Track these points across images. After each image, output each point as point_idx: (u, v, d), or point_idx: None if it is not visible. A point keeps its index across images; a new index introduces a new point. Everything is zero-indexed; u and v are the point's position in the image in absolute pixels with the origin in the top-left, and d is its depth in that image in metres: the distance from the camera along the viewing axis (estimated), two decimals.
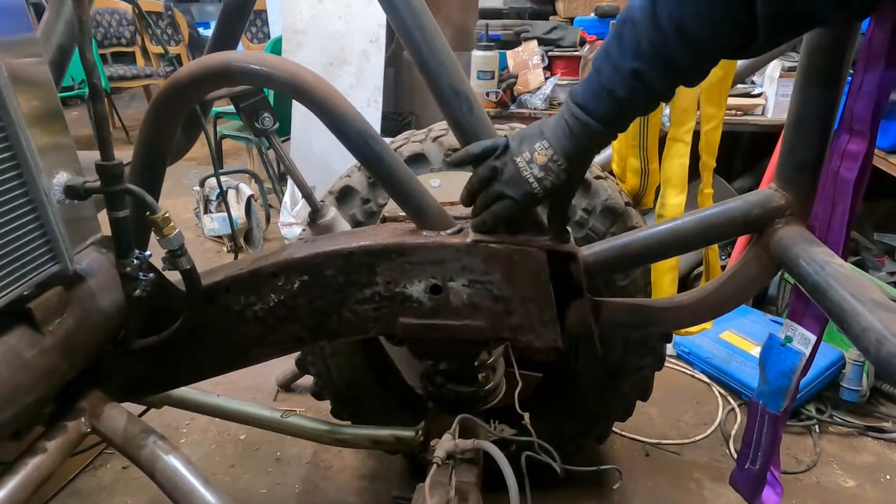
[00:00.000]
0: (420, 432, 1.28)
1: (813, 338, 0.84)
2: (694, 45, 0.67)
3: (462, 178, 1.17)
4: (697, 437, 1.82)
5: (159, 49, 5.50)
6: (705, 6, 0.65)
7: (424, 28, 0.86)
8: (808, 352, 0.85)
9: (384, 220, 1.03)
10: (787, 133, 0.84)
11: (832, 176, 0.77)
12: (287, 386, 2.03)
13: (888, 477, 1.70)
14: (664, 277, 1.35)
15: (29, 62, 0.77)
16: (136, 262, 0.85)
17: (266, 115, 1.02)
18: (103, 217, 0.89)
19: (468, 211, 0.96)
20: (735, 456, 1.73)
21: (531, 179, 0.81)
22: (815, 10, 0.62)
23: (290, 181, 3.13)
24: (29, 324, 0.77)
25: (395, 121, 3.54)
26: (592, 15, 2.91)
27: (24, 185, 0.75)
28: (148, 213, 0.82)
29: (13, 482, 0.75)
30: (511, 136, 0.85)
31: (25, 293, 0.77)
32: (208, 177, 2.96)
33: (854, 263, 2.28)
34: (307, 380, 1.86)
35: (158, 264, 0.90)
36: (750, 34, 0.65)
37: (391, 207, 1.03)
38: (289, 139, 3.22)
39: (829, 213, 0.78)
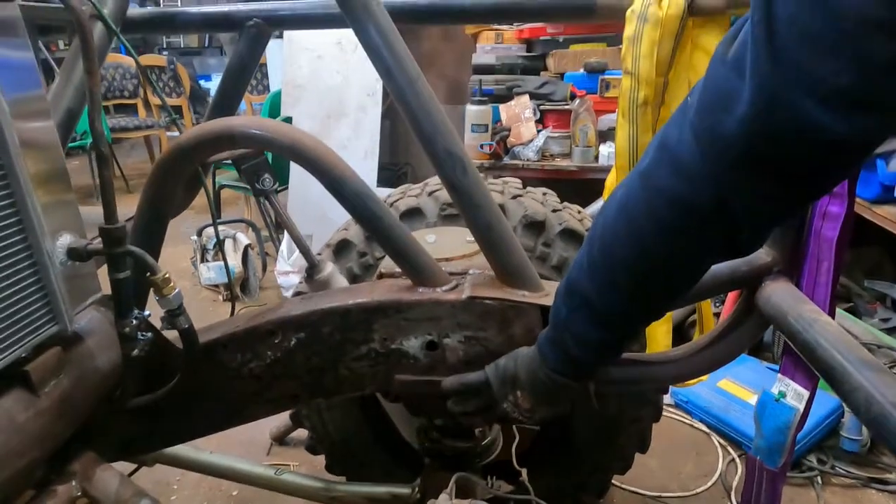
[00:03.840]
0: (417, 489, 1.25)
1: (806, 393, 0.85)
2: (656, 296, 0.67)
3: (456, 233, 1.20)
4: (699, 490, 1.79)
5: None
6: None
7: (420, 95, 0.90)
8: (801, 407, 0.85)
9: (381, 276, 1.05)
10: None
11: (815, 235, 0.80)
12: (281, 439, 2.00)
13: None
14: (658, 329, 1.36)
15: (38, 126, 0.79)
16: (135, 322, 0.86)
17: (266, 175, 1.05)
18: (102, 272, 0.90)
19: (463, 266, 0.98)
20: None
21: (521, 418, 0.87)
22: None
23: (286, 231, 3.16)
24: (25, 386, 0.77)
25: (392, 171, 3.61)
26: (581, 70, 3.02)
27: (29, 248, 0.76)
28: (148, 273, 0.83)
29: None
30: (489, 371, 0.88)
31: (23, 355, 0.77)
32: (206, 226, 2.98)
33: (846, 310, 2.30)
34: (301, 433, 1.83)
35: (155, 321, 0.91)
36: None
37: (388, 264, 1.05)
38: (286, 188, 3.27)
39: (815, 270, 0.81)
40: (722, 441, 1.99)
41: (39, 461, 0.81)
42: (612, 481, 1.56)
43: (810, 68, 0.42)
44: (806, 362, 0.83)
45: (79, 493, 0.86)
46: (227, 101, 1.43)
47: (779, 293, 0.85)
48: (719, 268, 0.89)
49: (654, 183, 0.58)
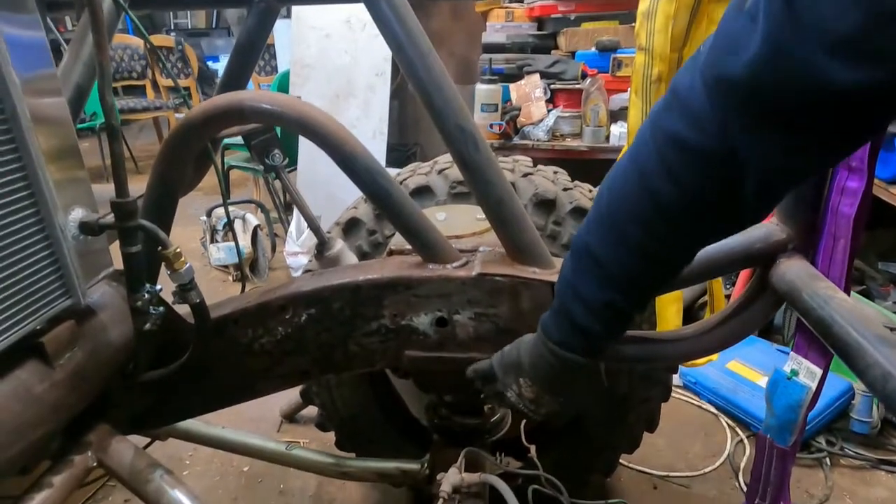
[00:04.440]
0: (425, 465, 1.27)
1: (819, 371, 0.84)
2: (665, 252, 0.64)
3: (466, 211, 1.19)
4: (706, 470, 1.80)
5: (169, 82, 5.63)
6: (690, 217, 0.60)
7: (431, 69, 0.89)
8: (814, 385, 0.85)
9: (391, 252, 1.04)
10: None
11: (832, 211, 0.78)
12: (291, 417, 2.02)
13: None
14: (669, 308, 1.35)
15: (49, 102, 0.79)
16: (146, 296, 0.86)
17: (276, 151, 1.05)
18: (114, 249, 0.90)
19: (473, 244, 0.97)
20: (745, 489, 1.70)
21: (526, 410, 0.85)
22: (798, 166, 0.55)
23: (296, 211, 3.17)
24: (40, 358, 0.78)
25: (401, 151, 3.59)
26: (593, 49, 2.98)
27: (41, 221, 0.77)
28: (160, 248, 0.84)
29: None
30: (495, 360, 0.87)
31: (37, 328, 0.78)
32: (215, 207, 2.99)
33: (859, 293, 2.28)
34: (311, 411, 1.85)
35: (167, 296, 0.91)
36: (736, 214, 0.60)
37: (398, 240, 1.04)
38: (295, 169, 3.27)
39: (830, 248, 0.79)
40: (730, 422, 1.99)
41: (55, 432, 0.82)
42: (620, 460, 1.57)
43: (821, 14, 0.42)
44: (820, 340, 0.83)
45: (94, 464, 0.88)
46: (235, 80, 1.42)
47: (793, 270, 0.83)
48: (734, 244, 0.88)
49: (664, 129, 0.57)
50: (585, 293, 0.69)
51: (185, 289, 0.87)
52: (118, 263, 0.89)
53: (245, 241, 2.92)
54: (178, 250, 0.84)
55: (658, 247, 0.63)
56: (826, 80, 0.43)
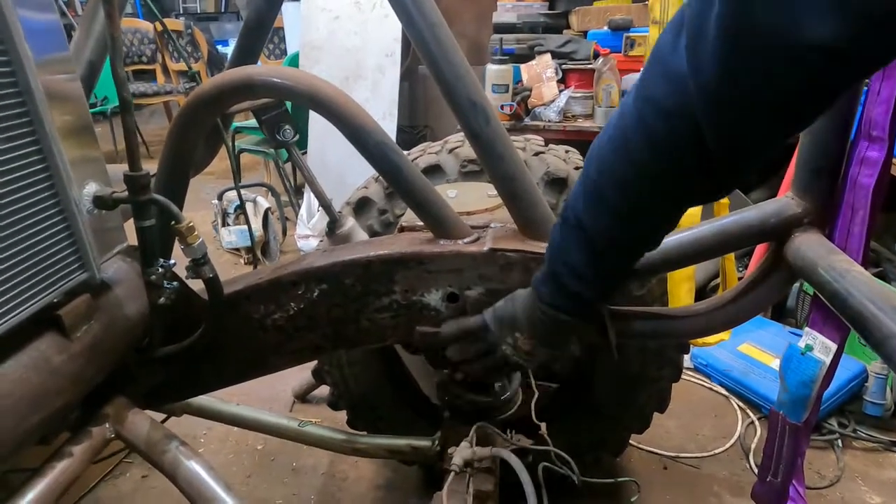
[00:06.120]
0: (436, 442, 1.28)
1: (834, 346, 0.84)
2: (646, 217, 0.65)
3: (478, 188, 1.19)
4: (716, 451, 1.79)
5: (179, 66, 5.63)
6: (651, 164, 0.60)
7: (441, 42, 0.88)
8: (828, 360, 0.84)
9: (402, 229, 1.04)
10: (803, 140, 0.84)
11: (851, 183, 0.77)
12: (303, 397, 2.04)
13: None
14: (681, 287, 1.34)
15: (63, 78, 0.80)
16: (160, 270, 0.87)
17: (287, 127, 1.04)
18: (128, 227, 0.91)
19: (485, 220, 0.97)
20: (755, 470, 1.70)
21: (522, 363, 0.86)
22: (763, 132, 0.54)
23: (306, 194, 3.17)
24: (58, 330, 0.79)
25: (411, 134, 3.58)
26: (605, 28, 2.93)
27: (56, 195, 0.78)
28: (173, 222, 0.84)
29: (42, 485, 0.76)
30: (487, 315, 0.88)
31: (55, 301, 0.79)
32: (227, 190, 3.01)
33: (875, 275, 2.25)
34: (323, 390, 1.87)
35: (180, 275, 0.92)
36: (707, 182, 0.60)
37: (409, 217, 1.04)
38: (305, 153, 3.27)
39: (848, 220, 0.78)
40: (741, 404, 1.98)
41: (73, 403, 0.83)
42: (630, 441, 1.57)
43: None
44: (835, 316, 0.82)
45: (112, 436, 0.89)
46: (244, 61, 1.41)
47: (809, 244, 0.82)
48: (748, 218, 0.87)
49: (646, 93, 0.56)
50: (572, 258, 0.70)
51: (199, 263, 0.88)
52: (133, 241, 0.90)
53: (256, 225, 2.93)
54: (191, 224, 0.85)
55: (635, 209, 0.64)
56: (794, 29, 0.42)
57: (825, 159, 0.81)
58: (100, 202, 0.82)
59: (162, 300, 0.88)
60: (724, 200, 1.38)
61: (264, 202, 3.00)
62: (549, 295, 0.76)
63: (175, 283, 0.90)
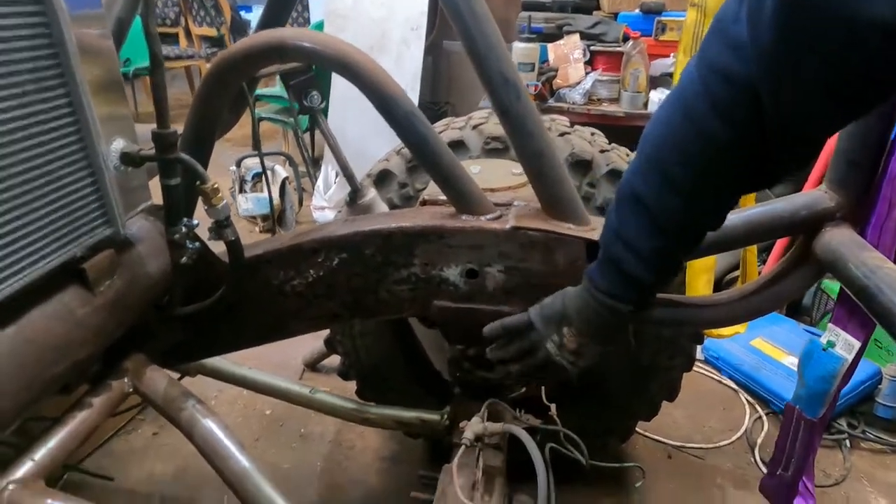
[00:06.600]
0: (445, 416, 1.29)
1: (857, 344, 0.82)
2: (711, 193, 0.63)
3: (502, 165, 1.17)
4: (722, 443, 1.79)
5: (202, 31, 5.60)
6: (714, 149, 0.59)
7: (476, 13, 0.86)
8: (850, 357, 0.83)
9: (424, 202, 1.04)
10: (842, 133, 0.82)
11: (891, 177, 0.75)
12: (313, 366, 2.06)
13: None
14: (700, 278, 1.33)
15: (95, 33, 0.79)
16: (184, 230, 0.87)
17: (314, 93, 1.04)
18: (153, 186, 0.92)
19: (508, 197, 0.96)
20: (760, 464, 1.70)
21: (565, 364, 0.83)
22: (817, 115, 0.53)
23: (323, 165, 3.17)
24: (81, 283, 0.80)
25: (432, 110, 3.54)
26: (637, 11, 2.87)
27: (84, 149, 0.78)
28: (198, 182, 0.84)
29: (63, 432, 0.78)
30: (533, 312, 0.85)
31: (79, 254, 0.80)
32: (245, 157, 3.01)
33: None
34: (333, 360, 1.89)
35: (202, 238, 0.93)
36: (763, 165, 0.59)
37: (431, 190, 1.04)
38: None
39: (884, 215, 0.76)
40: (750, 399, 1.98)
41: (95, 355, 0.85)
42: (637, 429, 1.57)
43: None
44: (860, 312, 0.80)
45: (130, 390, 0.91)
46: (271, 26, 1.39)
47: (839, 239, 0.81)
48: (779, 210, 0.86)
49: (709, 61, 0.55)
50: (635, 242, 0.68)
51: (222, 225, 0.88)
52: (157, 201, 0.91)
53: (273, 193, 2.94)
54: (216, 186, 0.85)
55: (703, 187, 0.62)
56: (857, 8, 0.40)
57: (864, 151, 0.79)
58: (127, 158, 0.82)
59: (184, 259, 0.89)
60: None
61: (282, 171, 3.00)
62: (606, 282, 0.74)
63: (197, 244, 0.90)
